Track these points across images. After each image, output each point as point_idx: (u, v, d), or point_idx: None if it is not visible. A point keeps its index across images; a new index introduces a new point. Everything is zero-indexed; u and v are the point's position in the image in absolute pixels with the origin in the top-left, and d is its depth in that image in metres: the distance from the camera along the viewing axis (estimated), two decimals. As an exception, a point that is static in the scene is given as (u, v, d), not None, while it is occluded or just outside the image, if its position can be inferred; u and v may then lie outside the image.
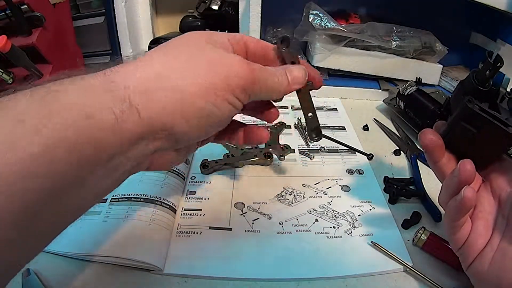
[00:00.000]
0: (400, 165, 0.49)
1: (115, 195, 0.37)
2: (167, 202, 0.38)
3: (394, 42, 0.64)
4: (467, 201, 0.26)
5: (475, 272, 0.28)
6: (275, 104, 0.31)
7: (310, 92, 0.31)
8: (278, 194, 0.42)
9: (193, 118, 0.22)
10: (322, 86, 0.32)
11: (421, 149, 0.50)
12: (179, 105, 0.22)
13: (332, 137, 0.50)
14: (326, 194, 0.42)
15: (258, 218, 0.38)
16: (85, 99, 0.19)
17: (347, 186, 0.44)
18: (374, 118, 0.59)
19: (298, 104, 0.31)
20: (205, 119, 0.23)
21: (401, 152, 0.51)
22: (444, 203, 0.29)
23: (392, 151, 0.51)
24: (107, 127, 0.19)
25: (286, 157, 0.47)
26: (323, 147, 0.50)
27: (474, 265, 0.28)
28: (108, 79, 0.21)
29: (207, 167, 0.44)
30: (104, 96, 0.20)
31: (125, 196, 0.37)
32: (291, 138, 0.53)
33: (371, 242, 0.36)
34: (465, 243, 0.28)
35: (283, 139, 0.51)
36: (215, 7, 0.67)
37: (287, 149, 0.47)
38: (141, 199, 0.37)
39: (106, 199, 0.37)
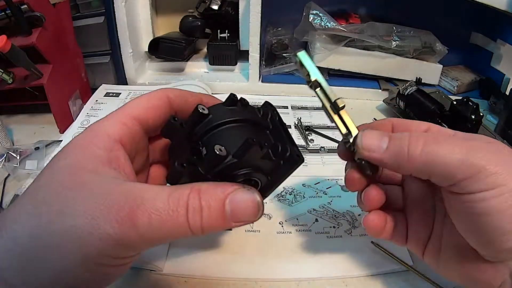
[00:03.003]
0: (400, 165, 0.49)
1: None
2: (167, 202, 0.38)
3: (394, 42, 0.64)
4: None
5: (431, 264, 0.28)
6: None
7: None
8: (278, 194, 0.42)
9: None
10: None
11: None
12: None
13: (332, 137, 0.50)
14: (326, 194, 0.42)
15: (258, 218, 0.38)
16: None
17: (347, 186, 0.44)
18: (374, 118, 0.59)
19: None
20: None
21: (401, 152, 0.51)
22: None
23: (392, 151, 0.51)
24: None
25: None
26: (323, 147, 0.50)
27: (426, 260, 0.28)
28: None
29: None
30: None
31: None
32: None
33: (371, 242, 0.36)
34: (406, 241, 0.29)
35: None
36: (215, 7, 0.67)
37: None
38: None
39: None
